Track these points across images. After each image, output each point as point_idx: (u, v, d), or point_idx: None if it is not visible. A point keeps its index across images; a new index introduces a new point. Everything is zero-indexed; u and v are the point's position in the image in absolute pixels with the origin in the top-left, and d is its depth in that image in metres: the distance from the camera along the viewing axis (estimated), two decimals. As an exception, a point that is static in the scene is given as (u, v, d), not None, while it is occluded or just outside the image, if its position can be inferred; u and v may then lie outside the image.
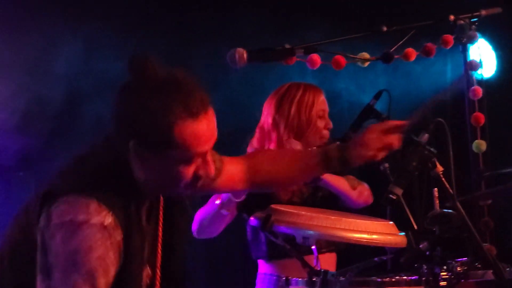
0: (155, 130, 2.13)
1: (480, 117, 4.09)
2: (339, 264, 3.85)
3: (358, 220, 2.96)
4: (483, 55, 4.31)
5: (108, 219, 2.12)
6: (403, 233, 3.04)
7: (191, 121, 2.14)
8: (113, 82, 2.37)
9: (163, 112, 2.12)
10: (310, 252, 3.46)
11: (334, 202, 3.82)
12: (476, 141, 4.10)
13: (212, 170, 2.26)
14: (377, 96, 3.87)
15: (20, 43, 4.97)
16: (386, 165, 3.85)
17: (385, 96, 3.86)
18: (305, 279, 2.99)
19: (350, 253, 5.18)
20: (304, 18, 5.31)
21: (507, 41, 5.43)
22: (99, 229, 2.10)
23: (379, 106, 3.86)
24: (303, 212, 2.97)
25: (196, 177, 2.23)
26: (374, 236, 2.92)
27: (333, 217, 2.94)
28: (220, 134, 2.28)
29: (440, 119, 3.16)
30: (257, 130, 3.88)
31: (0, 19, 4.94)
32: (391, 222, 3.07)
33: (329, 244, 3.69)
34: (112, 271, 2.12)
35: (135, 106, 2.14)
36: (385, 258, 3.09)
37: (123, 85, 2.21)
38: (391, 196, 3.11)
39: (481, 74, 4.21)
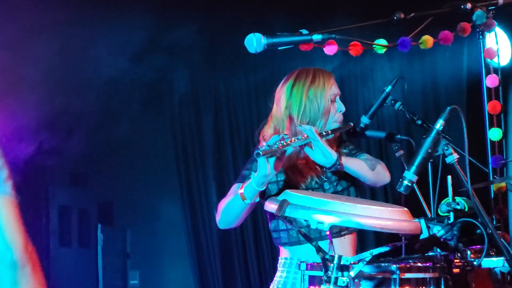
0: None
1: (497, 105, 4.09)
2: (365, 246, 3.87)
3: (372, 206, 2.97)
4: (499, 44, 4.31)
5: None
6: (418, 220, 3.05)
7: None
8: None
9: None
10: (326, 237, 3.50)
11: (352, 184, 3.84)
12: (493, 128, 4.10)
13: None
14: (393, 83, 3.90)
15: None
16: (401, 151, 3.87)
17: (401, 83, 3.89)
18: (320, 264, 2.99)
19: (364, 239, 5.21)
20: (325, 5, 5.31)
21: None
22: None
23: (394, 93, 3.89)
24: (317, 198, 2.98)
25: None
26: (389, 223, 2.93)
27: (347, 203, 2.95)
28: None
29: (455, 106, 3.17)
30: (270, 118, 3.88)
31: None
32: (405, 209, 3.07)
33: (346, 227, 3.70)
34: None
35: None
36: (399, 245, 3.10)
37: None
38: (406, 182, 3.14)
39: (497, 62, 4.20)
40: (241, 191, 3.59)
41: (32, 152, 5.20)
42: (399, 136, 3.92)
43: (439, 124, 3.14)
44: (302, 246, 3.74)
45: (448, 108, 3.15)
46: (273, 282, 3.83)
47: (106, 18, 5.16)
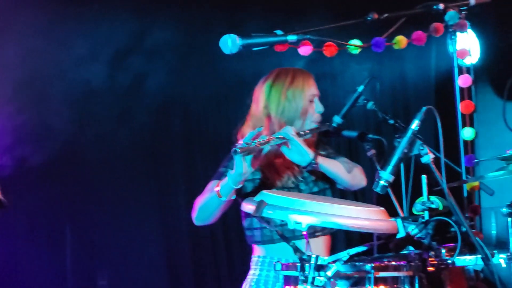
0: None
1: (470, 105, 4.13)
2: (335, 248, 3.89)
3: (350, 206, 2.99)
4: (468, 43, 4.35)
5: None
6: (394, 219, 3.07)
7: None
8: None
9: None
10: (302, 237, 3.52)
11: (328, 186, 3.86)
12: (466, 128, 4.14)
13: None
14: (365, 83, 3.92)
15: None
16: (373, 151, 3.89)
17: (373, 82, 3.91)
18: (297, 264, 3.01)
19: (339, 238, 5.24)
20: (299, 5, 5.33)
21: (490, 29, 5.49)
22: None
23: (366, 92, 3.91)
24: (295, 198, 2.99)
25: None
26: (366, 222, 2.95)
27: (325, 203, 2.97)
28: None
29: (430, 106, 3.20)
30: (248, 117, 3.89)
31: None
32: (382, 208, 3.10)
33: (322, 228, 3.72)
34: None
35: None
36: (376, 244, 3.12)
37: None
38: (383, 183, 3.16)
39: (471, 62, 4.25)
40: (218, 188, 3.60)
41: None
42: (371, 136, 3.93)
43: (415, 124, 3.16)
44: (275, 245, 3.76)
45: (424, 108, 3.18)
46: (246, 280, 3.85)
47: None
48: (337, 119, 3.94)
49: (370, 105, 3.90)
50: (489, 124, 4.71)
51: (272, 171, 3.80)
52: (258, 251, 3.84)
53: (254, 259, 3.85)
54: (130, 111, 5.67)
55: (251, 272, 3.85)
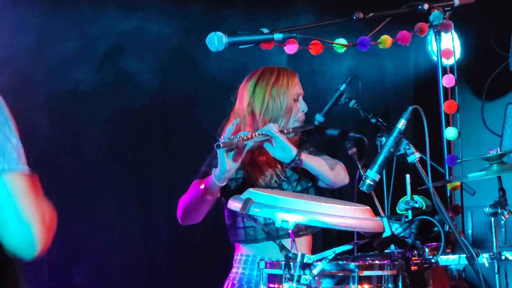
0: None
1: (453, 105, 4.15)
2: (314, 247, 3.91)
3: (336, 205, 3.00)
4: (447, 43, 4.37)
5: None
6: (380, 218, 3.09)
7: None
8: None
9: None
10: (287, 235, 3.53)
11: (311, 183, 3.88)
12: (449, 128, 4.17)
13: None
14: (347, 81, 3.93)
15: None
16: (355, 149, 3.91)
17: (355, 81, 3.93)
18: (282, 262, 3.01)
19: (317, 237, 5.24)
20: (286, 3, 5.33)
21: (470, 30, 5.52)
22: None
23: (348, 91, 3.93)
24: (282, 196, 3.00)
25: None
26: (353, 221, 2.95)
27: (312, 202, 2.97)
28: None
29: (417, 106, 3.21)
30: (232, 115, 3.89)
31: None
32: (368, 207, 3.11)
33: (306, 227, 3.73)
34: None
35: None
36: (361, 243, 3.14)
37: None
38: (369, 182, 3.18)
39: (454, 62, 4.27)
40: (202, 186, 3.60)
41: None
42: (352, 134, 3.94)
43: (401, 124, 3.18)
44: (259, 244, 3.77)
45: (410, 107, 3.19)
46: (228, 278, 3.85)
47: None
48: (319, 117, 3.95)
49: (352, 103, 3.91)
50: (468, 125, 4.75)
51: (255, 169, 3.81)
52: (241, 249, 3.84)
53: (237, 257, 3.85)
54: (108, 111, 5.64)
55: (233, 270, 3.85)
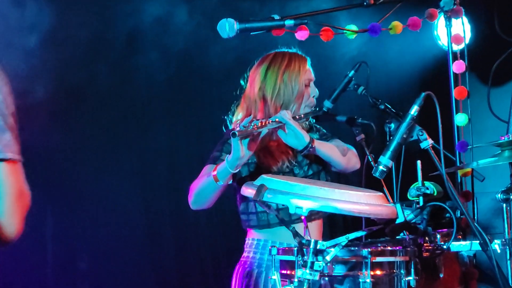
0: None
1: (463, 91, 4.14)
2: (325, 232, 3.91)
3: (350, 191, 2.99)
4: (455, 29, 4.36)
5: None
6: (393, 204, 3.08)
7: None
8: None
9: None
10: (299, 220, 3.53)
11: (322, 167, 3.87)
12: (459, 114, 4.16)
13: None
14: (356, 68, 3.93)
15: None
16: (363, 136, 3.91)
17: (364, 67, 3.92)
18: (295, 248, 3.01)
19: (330, 222, 5.24)
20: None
21: (477, 16, 5.51)
22: None
23: (357, 77, 3.92)
24: (295, 183, 2.99)
25: None
26: (366, 207, 2.94)
27: (325, 188, 2.96)
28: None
29: (430, 92, 3.20)
30: (243, 99, 3.89)
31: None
32: (381, 193, 3.10)
33: (318, 212, 3.73)
34: None
35: None
36: (375, 229, 3.13)
37: None
38: (382, 168, 3.17)
39: (464, 47, 4.26)
40: (214, 173, 3.60)
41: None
42: (360, 120, 3.94)
43: (414, 110, 3.16)
44: (271, 229, 3.78)
45: (423, 94, 3.17)
46: (239, 262, 3.85)
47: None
48: (327, 104, 3.94)
49: (360, 90, 3.90)
50: (473, 111, 4.74)
51: (267, 155, 3.80)
52: (253, 234, 3.85)
53: (248, 241, 3.86)
54: (112, 102, 5.64)
55: (244, 254, 3.86)
